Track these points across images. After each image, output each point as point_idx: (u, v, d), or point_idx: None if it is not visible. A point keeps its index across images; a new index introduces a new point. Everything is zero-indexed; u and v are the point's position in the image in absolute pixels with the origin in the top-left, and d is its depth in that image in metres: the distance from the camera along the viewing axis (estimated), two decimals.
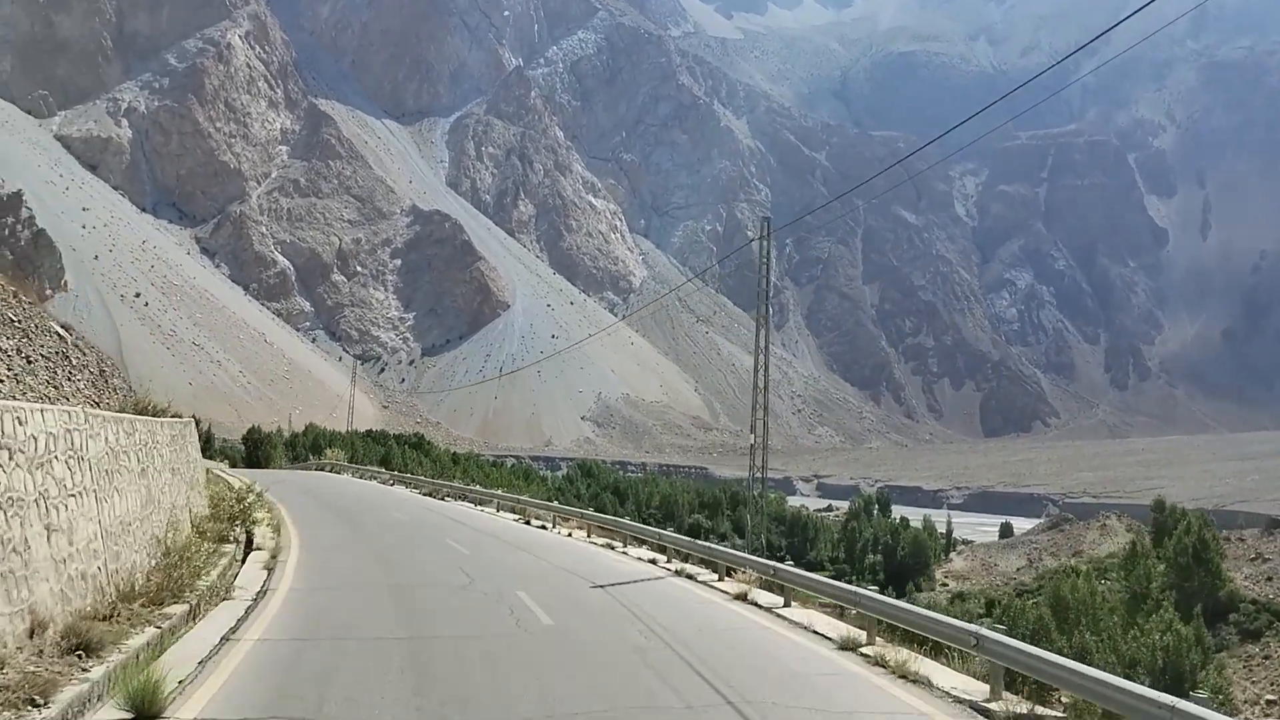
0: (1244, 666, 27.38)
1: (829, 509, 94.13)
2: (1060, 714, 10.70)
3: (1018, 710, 9.94)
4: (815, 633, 13.82)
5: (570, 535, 27.30)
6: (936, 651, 12.76)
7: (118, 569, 11.69)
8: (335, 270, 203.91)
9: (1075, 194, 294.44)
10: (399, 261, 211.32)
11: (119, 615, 10.63)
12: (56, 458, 9.79)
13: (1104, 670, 10.42)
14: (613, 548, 24.29)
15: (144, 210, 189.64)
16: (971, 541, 65.78)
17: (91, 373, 23.30)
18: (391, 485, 47.24)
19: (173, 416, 20.66)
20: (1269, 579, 33.30)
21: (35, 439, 9.25)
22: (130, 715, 8.31)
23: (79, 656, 9.05)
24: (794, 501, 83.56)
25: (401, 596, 15.31)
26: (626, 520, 27.03)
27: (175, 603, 12.15)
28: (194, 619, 12.43)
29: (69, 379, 20.20)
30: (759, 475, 31.93)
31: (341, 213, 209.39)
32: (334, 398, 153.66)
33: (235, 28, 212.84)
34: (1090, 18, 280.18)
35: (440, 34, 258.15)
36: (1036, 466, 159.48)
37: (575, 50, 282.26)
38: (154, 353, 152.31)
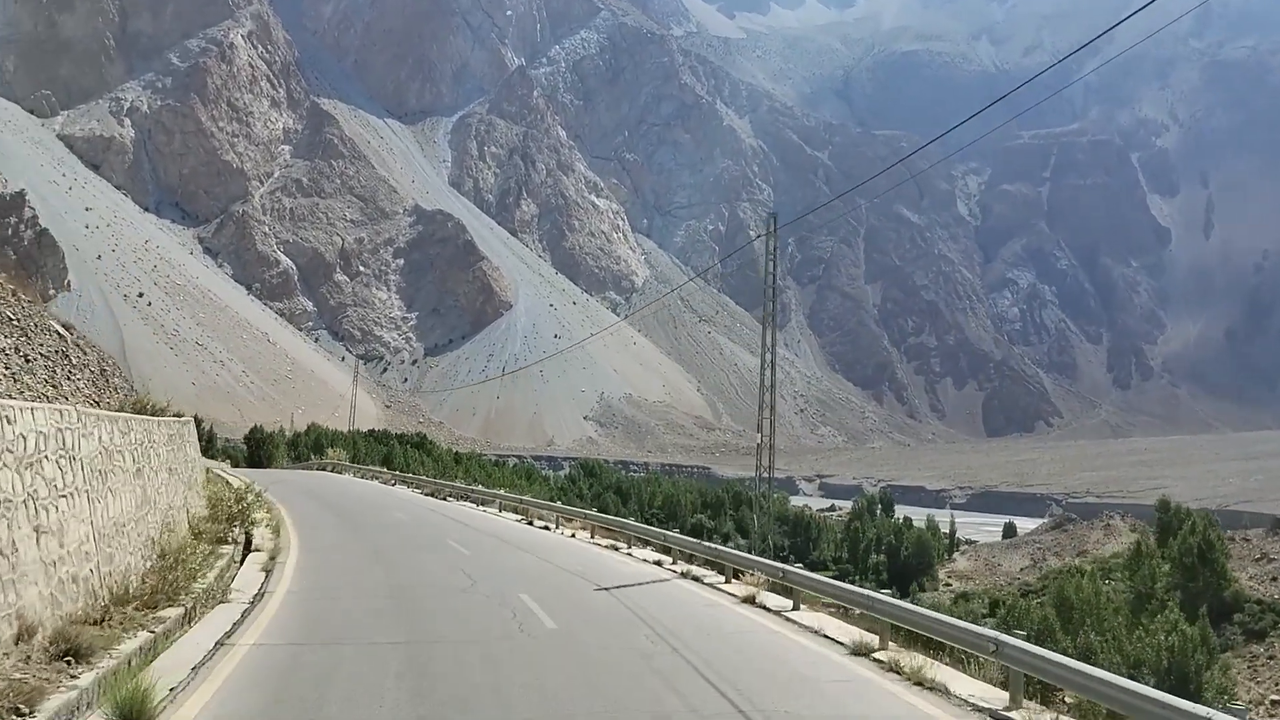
0: (1249, 667, 27.33)
1: (832, 509, 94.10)
2: None
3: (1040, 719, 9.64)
4: (826, 637, 13.52)
5: (573, 536, 27.00)
6: (952, 657, 12.46)
7: (111, 571, 11.44)
8: (338, 270, 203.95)
9: (1078, 193, 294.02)
10: (401, 261, 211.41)
11: (111, 619, 10.38)
12: (47, 457, 9.55)
13: (1109, 670, 10.12)
14: (617, 549, 23.97)
15: (147, 210, 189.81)
16: (975, 541, 65.60)
17: (92, 372, 23.07)
18: (393, 485, 47.03)
19: (172, 416, 20.43)
20: (1274, 579, 33.18)
21: (24, 438, 9.02)
22: None
23: (68, 662, 8.78)
24: (797, 501, 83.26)
25: (402, 599, 15.09)
26: (631, 521, 26.71)
27: (170, 606, 11.91)
28: (189, 623, 12.20)
29: (68, 378, 19.97)
30: (765, 475, 31.52)
31: (344, 212, 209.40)
32: (336, 397, 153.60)
33: (238, 27, 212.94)
34: (1093, 17, 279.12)
35: (443, 33, 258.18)
36: (1039, 466, 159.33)
37: (578, 50, 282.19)
38: (157, 353, 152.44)
